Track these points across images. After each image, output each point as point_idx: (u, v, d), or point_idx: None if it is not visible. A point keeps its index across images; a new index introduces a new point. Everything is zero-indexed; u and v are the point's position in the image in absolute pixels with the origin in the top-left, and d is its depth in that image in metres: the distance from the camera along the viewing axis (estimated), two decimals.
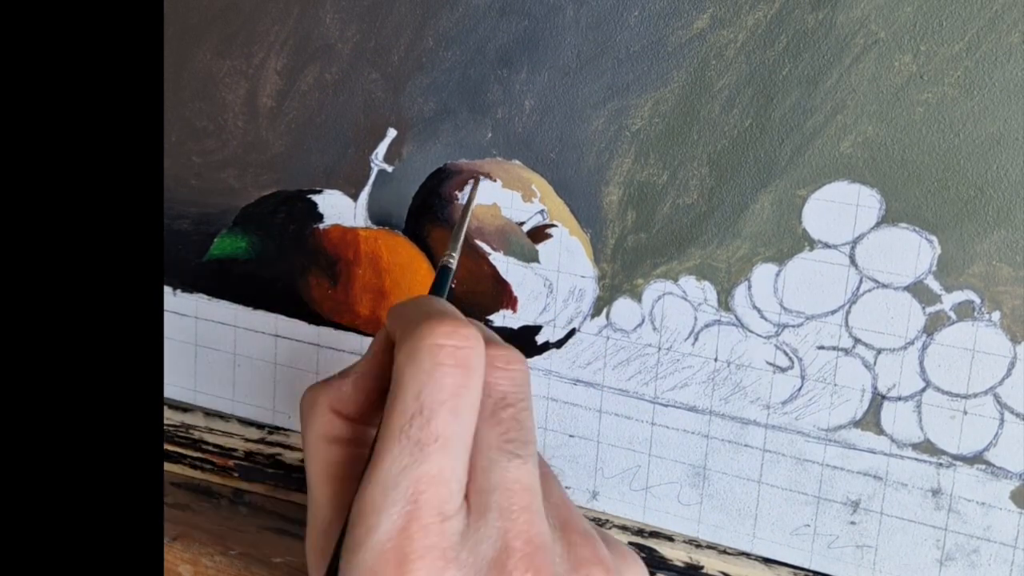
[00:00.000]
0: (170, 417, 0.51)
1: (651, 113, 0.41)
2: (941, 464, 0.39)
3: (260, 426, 0.50)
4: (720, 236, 0.41)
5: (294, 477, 0.50)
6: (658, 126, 0.41)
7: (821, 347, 0.40)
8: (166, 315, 0.50)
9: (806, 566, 0.42)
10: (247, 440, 0.50)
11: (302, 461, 0.49)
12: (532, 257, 0.43)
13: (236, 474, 0.51)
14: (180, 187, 0.49)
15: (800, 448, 0.41)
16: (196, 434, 0.51)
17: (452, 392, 0.30)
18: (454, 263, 0.39)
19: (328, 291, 0.47)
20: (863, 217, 0.39)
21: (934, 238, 0.38)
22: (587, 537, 0.32)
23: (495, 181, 0.43)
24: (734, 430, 0.42)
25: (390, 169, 0.45)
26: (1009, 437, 0.38)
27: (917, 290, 0.38)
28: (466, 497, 0.30)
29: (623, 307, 0.42)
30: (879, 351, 0.39)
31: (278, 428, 0.50)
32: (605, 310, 0.43)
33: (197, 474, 0.51)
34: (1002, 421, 0.38)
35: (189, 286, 0.50)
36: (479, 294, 0.44)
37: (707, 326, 0.41)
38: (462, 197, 0.44)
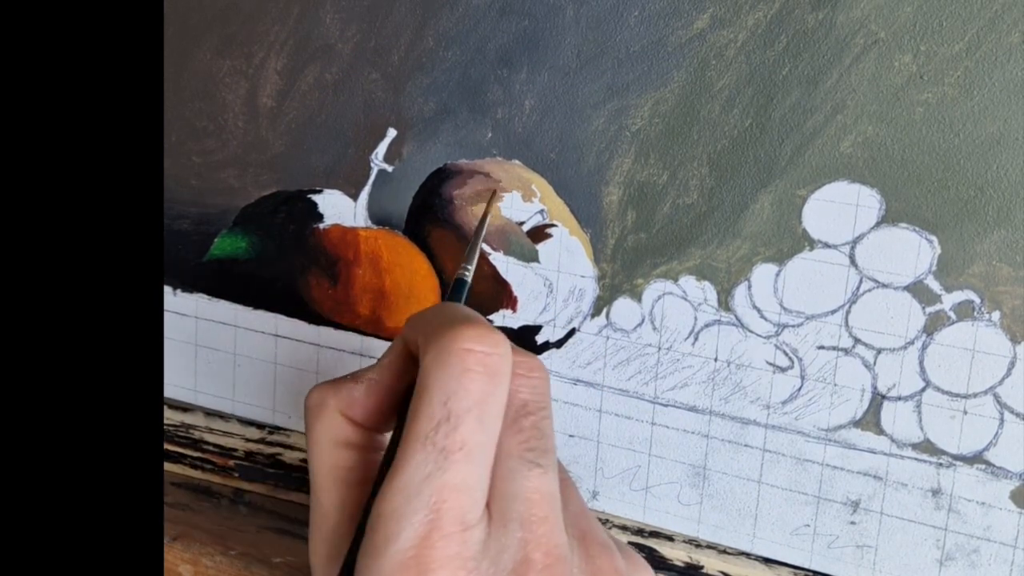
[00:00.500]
0: (170, 417, 0.51)
1: (651, 113, 0.41)
2: (941, 464, 0.39)
3: (260, 426, 0.50)
4: (720, 236, 0.41)
5: (294, 477, 0.50)
6: (658, 126, 0.41)
7: (821, 347, 0.40)
8: (166, 315, 0.50)
9: (806, 566, 0.42)
10: (247, 440, 0.50)
11: (302, 461, 0.49)
12: (532, 257, 0.43)
13: (236, 474, 0.51)
14: (180, 187, 0.49)
15: (800, 448, 0.41)
16: (196, 434, 0.51)
17: (479, 399, 0.30)
18: (470, 276, 0.39)
19: (328, 291, 0.47)
20: (863, 217, 0.39)
21: (934, 238, 0.38)
22: (605, 548, 0.32)
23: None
24: (734, 430, 0.42)
25: (390, 169, 0.45)
26: (1009, 437, 0.38)
27: (917, 290, 0.38)
28: (486, 506, 0.30)
29: (623, 307, 0.42)
30: (879, 351, 0.39)
31: (278, 428, 0.50)
32: (605, 310, 0.43)
33: (197, 474, 0.51)
34: (1002, 421, 0.38)
35: (189, 286, 0.50)
36: (479, 294, 0.44)
37: (707, 326, 0.41)
38: (464, 204, 0.44)
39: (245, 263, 0.48)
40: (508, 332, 0.44)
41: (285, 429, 0.50)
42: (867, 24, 0.38)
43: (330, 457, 0.34)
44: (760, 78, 0.39)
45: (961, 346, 0.38)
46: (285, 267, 0.48)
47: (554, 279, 0.43)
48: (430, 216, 0.45)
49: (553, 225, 0.43)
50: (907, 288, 0.38)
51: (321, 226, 0.47)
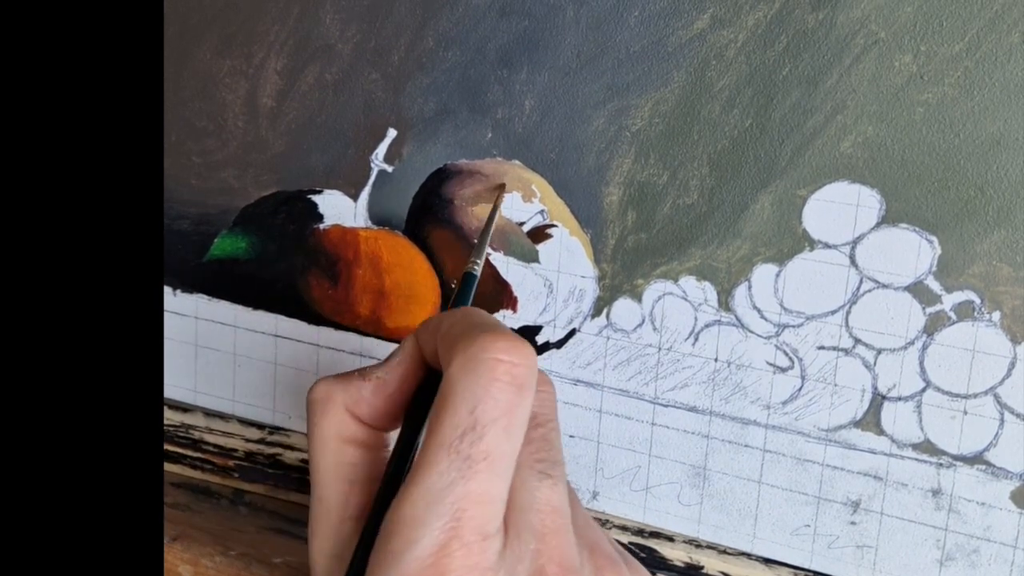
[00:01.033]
0: (170, 417, 0.51)
1: (651, 113, 0.41)
2: (941, 464, 0.39)
3: (260, 426, 0.50)
4: (720, 236, 0.41)
5: (294, 477, 0.50)
6: (658, 126, 0.41)
7: (821, 347, 0.40)
8: (166, 315, 0.50)
9: (806, 566, 0.42)
10: (247, 440, 0.50)
11: (302, 461, 0.49)
12: (532, 257, 0.43)
13: (236, 474, 0.51)
14: (180, 187, 0.49)
15: (800, 448, 0.41)
16: (196, 434, 0.51)
17: (506, 410, 0.30)
18: (479, 270, 0.39)
19: (328, 291, 0.47)
20: (863, 217, 0.39)
21: (934, 238, 0.38)
22: (613, 561, 0.32)
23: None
24: (734, 430, 0.42)
25: (390, 169, 0.45)
26: (1009, 437, 0.38)
27: (917, 290, 0.38)
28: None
29: (623, 307, 0.42)
30: (879, 351, 0.39)
31: (278, 428, 0.50)
32: (605, 310, 0.43)
33: (197, 474, 0.51)
34: (1002, 421, 0.38)
35: (189, 286, 0.50)
36: (479, 294, 0.44)
37: (707, 326, 0.41)
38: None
39: (245, 263, 0.48)
40: None
41: (285, 429, 0.50)
42: (867, 24, 0.38)
43: (335, 453, 0.33)
44: (760, 78, 0.39)
45: (961, 346, 0.38)
46: (285, 267, 0.48)
47: (554, 279, 0.43)
48: (430, 216, 0.45)
49: (553, 225, 0.43)
50: (907, 288, 0.38)
51: (321, 226, 0.47)
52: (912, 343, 0.39)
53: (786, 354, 0.40)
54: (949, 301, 0.38)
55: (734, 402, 0.41)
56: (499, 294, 0.44)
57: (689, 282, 0.41)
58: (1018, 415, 0.38)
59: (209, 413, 0.51)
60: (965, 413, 0.38)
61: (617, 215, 0.42)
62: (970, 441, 0.39)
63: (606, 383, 0.43)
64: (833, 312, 0.40)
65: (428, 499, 0.29)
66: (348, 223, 0.46)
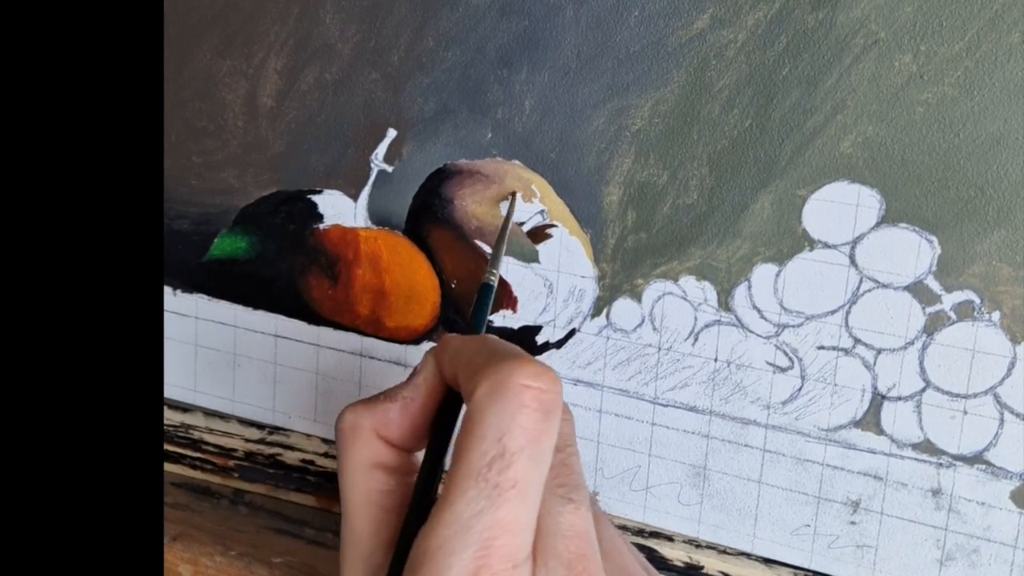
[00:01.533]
0: (170, 417, 0.51)
1: (651, 113, 0.41)
2: (941, 464, 0.39)
3: (260, 426, 0.50)
4: (720, 236, 0.41)
5: (294, 477, 0.50)
6: (658, 126, 0.41)
7: (821, 347, 0.40)
8: (166, 315, 0.50)
9: (806, 566, 0.42)
10: (247, 440, 0.50)
11: (302, 461, 0.49)
12: (532, 257, 0.43)
13: (236, 474, 0.51)
14: (180, 187, 0.49)
15: (800, 448, 0.41)
16: (196, 434, 0.51)
17: (533, 437, 0.29)
18: (495, 281, 0.39)
19: (328, 291, 0.47)
20: (863, 217, 0.39)
21: (934, 238, 0.38)
22: None
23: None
24: (734, 430, 0.42)
25: (390, 169, 0.45)
26: (1009, 437, 0.38)
27: (917, 290, 0.38)
28: None
29: (623, 307, 0.42)
30: (879, 351, 0.39)
31: (278, 428, 0.50)
32: (605, 310, 0.43)
33: (197, 474, 0.51)
34: (1002, 421, 0.38)
35: (189, 286, 0.50)
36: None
37: (707, 326, 0.41)
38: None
39: (245, 263, 0.48)
40: (508, 332, 0.44)
41: (285, 429, 0.50)
42: (867, 24, 0.38)
43: (366, 481, 0.33)
44: (760, 78, 0.39)
45: (961, 346, 0.38)
46: (285, 267, 0.48)
47: (554, 279, 0.43)
48: (430, 216, 0.45)
49: (553, 225, 0.43)
50: (907, 288, 0.38)
51: (321, 226, 0.47)
52: (912, 343, 0.39)
53: (786, 354, 0.40)
54: (949, 301, 0.38)
55: (734, 402, 0.41)
56: (499, 294, 0.44)
57: (689, 282, 0.41)
58: (1018, 415, 0.38)
59: (209, 413, 0.51)
60: (965, 413, 0.38)
61: (617, 215, 0.42)
62: (970, 441, 0.39)
63: (606, 383, 0.43)
64: (833, 312, 0.40)
65: (457, 527, 0.29)
66: (348, 223, 0.46)
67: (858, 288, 0.39)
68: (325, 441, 0.49)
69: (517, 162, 0.43)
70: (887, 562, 0.40)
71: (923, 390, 0.39)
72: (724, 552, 0.43)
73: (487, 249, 0.44)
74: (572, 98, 0.42)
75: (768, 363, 0.41)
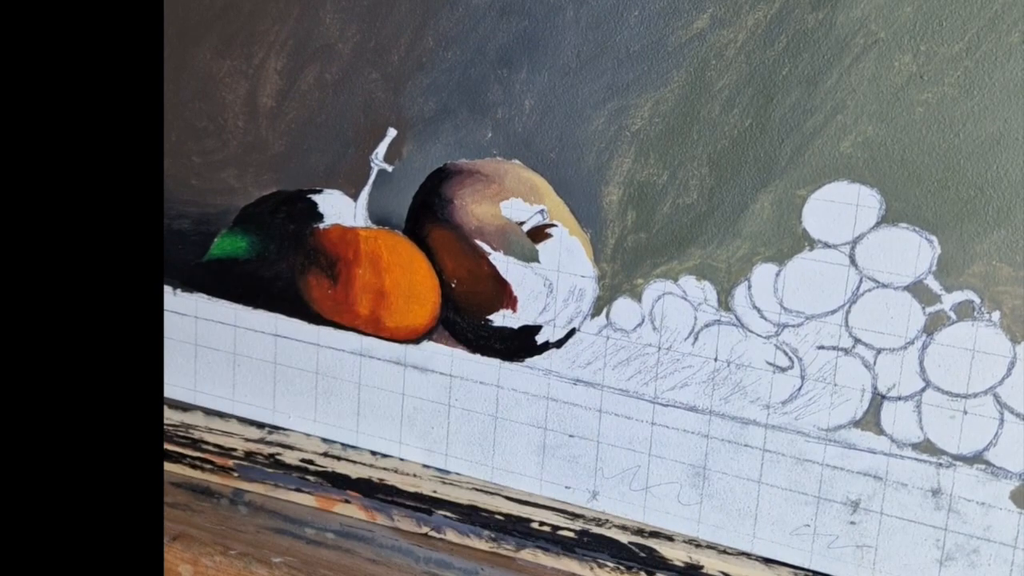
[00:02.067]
0: (170, 417, 0.51)
1: (651, 113, 0.41)
2: (941, 464, 0.39)
3: (260, 426, 0.50)
4: (720, 236, 0.41)
5: (293, 477, 0.50)
6: (658, 126, 0.41)
7: (821, 347, 0.40)
8: (166, 315, 0.50)
9: (806, 566, 0.42)
10: (247, 440, 0.50)
11: (302, 461, 0.49)
12: (532, 257, 0.43)
13: (235, 474, 0.51)
14: (180, 187, 0.49)
15: (800, 448, 0.41)
16: (196, 434, 0.51)
17: None
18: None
19: (328, 291, 0.47)
20: (863, 217, 0.39)
21: (934, 238, 0.38)
22: None
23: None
24: (734, 430, 0.42)
25: (390, 169, 0.45)
26: (1009, 437, 0.38)
27: (917, 290, 0.38)
28: None
29: (623, 307, 0.42)
30: (879, 351, 0.39)
31: (277, 428, 0.50)
32: (605, 310, 0.43)
33: (197, 474, 0.51)
34: (1002, 421, 0.38)
35: (189, 286, 0.50)
36: (479, 294, 0.44)
37: (707, 326, 0.41)
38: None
39: (245, 263, 0.48)
40: (508, 332, 0.44)
41: (285, 429, 0.50)
42: (867, 24, 0.38)
43: None
44: (760, 78, 0.39)
45: (961, 346, 0.38)
46: (285, 267, 0.48)
47: (554, 279, 0.43)
48: (430, 216, 0.45)
49: (553, 225, 0.43)
50: (907, 288, 0.38)
51: (321, 226, 0.47)
52: (912, 343, 0.39)
53: (786, 354, 0.40)
54: (949, 301, 0.38)
55: (734, 402, 0.41)
56: (499, 294, 0.44)
57: (689, 282, 0.41)
58: (1018, 415, 0.38)
59: (209, 412, 0.51)
60: (965, 413, 0.38)
61: (617, 215, 0.42)
62: (970, 441, 0.39)
63: (606, 383, 0.43)
64: (833, 312, 0.40)
65: None
66: (348, 223, 0.46)
67: (858, 288, 0.39)
68: (325, 441, 0.49)
69: (517, 162, 0.43)
70: (887, 562, 0.40)
71: (923, 390, 0.39)
72: (724, 552, 0.43)
73: (487, 249, 0.44)
74: (572, 98, 0.42)
75: (768, 363, 0.41)
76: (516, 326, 0.44)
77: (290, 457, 0.50)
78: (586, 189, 0.42)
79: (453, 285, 0.45)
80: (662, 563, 0.44)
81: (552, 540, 0.45)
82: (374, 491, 0.48)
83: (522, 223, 0.43)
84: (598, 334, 0.43)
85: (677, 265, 0.41)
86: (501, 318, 0.44)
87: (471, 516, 0.46)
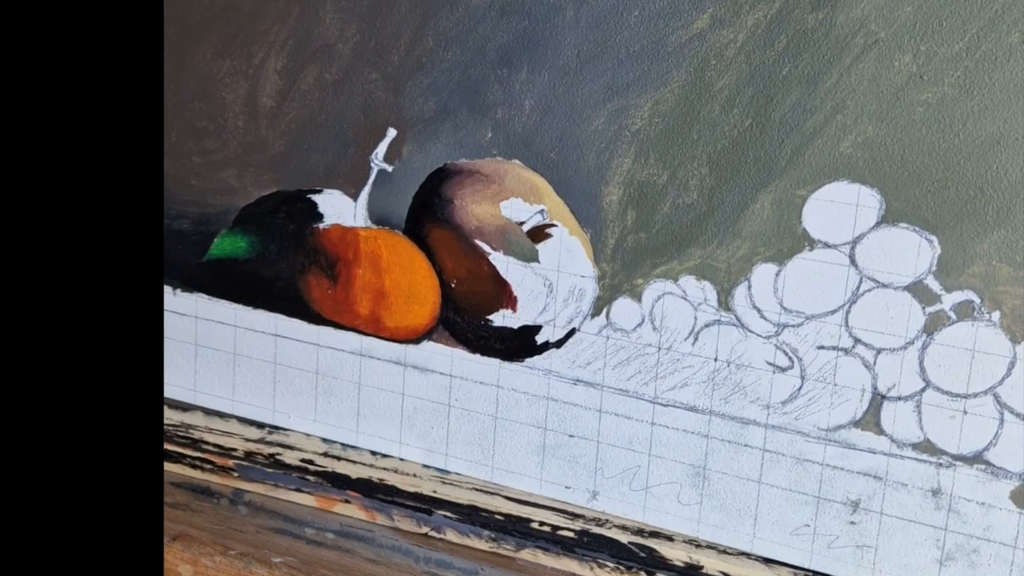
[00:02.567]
0: (170, 417, 0.51)
1: (651, 113, 0.41)
2: (941, 464, 0.39)
3: (260, 425, 0.50)
4: (720, 236, 0.41)
5: (294, 477, 0.50)
6: (658, 126, 0.41)
7: (821, 347, 0.40)
8: (166, 315, 0.50)
9: (806, 566, 0.42)
10: (247, 440, 0.50)
11: (302, 461, 0.49)
12: (532, 257, 0.43)
13: (235, 474, 0.51)
14: (180, 187, 0.49)
15: (800, 448, 0.41)
16: (196, 434, 0.51)
17: None
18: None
19: (328, 291, 0.47)
20: (863, 217, 0.39)
21: (934, 238, 0.38)
22: None
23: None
24: (734, 430, 0.42)
25: (390, 169, 0.45)
26: (1009, 437, 0.38)
27: (917, 290, 0.38)
28: None
29: (623, 307, 0.42)
30: (879, 351, 0.39)
31: (278, 428, 0.50)
32: (605, 310, 0.43)
33: (197, 474, 0.51)
34: (1002, 421, 0.38)
35: (189, 286, 0.50)
36: (479, 294, 0.44)
37: (707, 326, 0.41)
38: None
39: (245, 263, 0.48)
40: (508, 332, 0.44)
41: (285, 429, 0.50)
42: (867, 24, 0.38)
43: None
44: (760, 78, 0.39)
45: (961, 346, 0.38)
46: (285, 267, 0.48)
47: (554, 279, 0.43)
48: (430, 216, 0.45)
49: (553, 225, 0.43)
50: (907, 288, 0.38)
51: (321, 226, 0.47)
52: (912, 343, 0.39)
53: (786, 354, 0.40)
54: (949, 301, 0.38)
55: (734, 402, 0.41)
56: (499, 294, 0.44)
57: (689, 282, 0.41)
58: (1018, 415, 0.38)
59: (209, 412, 0.51)
60: (965, 413, 0.38)
61: (617, 215, 0.42)
62: (970, 441, 0.39)
63: (606, 383, 0.43)
64: (833, 312, 0.40)
65: None
66: (348, 223, 0.46)
67: (858, 288, 0.39)
68: (325, 441, 0.49)
69: (517, 162, 0.43)
70: (887, 562, 0.40)
71: (923, 390, 0.39)
72: (724, 552, 0.43)
73: (487, 249, 0.44)
74: (572, 98, 0.42)
75: (768, 363, 0.41)
76: (516, 326, 0.44)
77: (290, 457, 0.50)
78: (586, 189, 0.42)
79: (453, 285, 0.45)
80: (662, 563, 0.44)
81: (552, 540, 0.45)
82: (374, 491, 0.48)
83: (522, 223, 0.43)
84: (598, 334, 0.43)
85: (677, 265, 0.41)
86: (501, 318, 0.44)
87: (471, 516, 0.46)
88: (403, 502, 0.48)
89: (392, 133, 0.45)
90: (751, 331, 0.41)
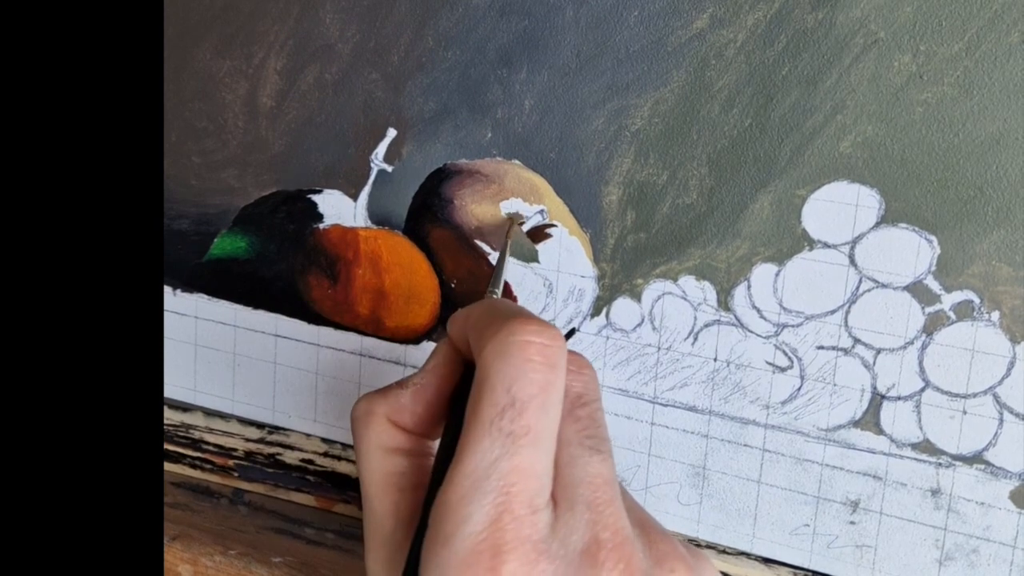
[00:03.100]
0: (170, 417, 0.51)
1: (651, 113, 0.41)
2: (940, 464, 0.39)
3: (260, 426, 0.50)
4: (720, 236, 0.41)
5: (293, 477, 0.50)
6: (658, 126, 0.41)
7: (821, 347, 0.40)
8: (166, 315, 0.50)
9: (806, 566, 0.42)
10: (247, 440, 0.50)
11: (302, 461, 0.49)
12: (532, 257, 0.43)
13: (236, 474, 0.51)
14: (180, 187, 0.49)
15: (800, 448, 0.41)
16: (196, 434, 0.51)
17: (541, 387, 0.30)
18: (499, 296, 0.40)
19: (328, 291, 0.47)
20: (863, 217, 0.39)
21: (934, 238, 0.38)
22: (665, 536, 0.32)
23: (554, 225, 0.43)
24: (734, 430, 0.42)
25: (390, 169, 0.45)
26: (1008, 437, 0.38)
27: (917, 290, 0.38)
28: (551, 493, 0.31)
29: (623, 307, 0.43)
30: (878, 351, 0.39)
31: (278, 428, 0.50)
32: (605, 310, 0.43)
33: (197, 474, 0.51)
34: (1001, 421, 0.38)
35: (189, 286, 0.50)
36: (479, 294, 0.44)
37: (707, 326, 0.41)
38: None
39: (245, 263, 0.48)
40: None
41: (285, 429, 0.50)
42: (867, 24, 0.38)
43: (381, 464, 0.34)
44: (760, 78, 0.39)
45: (961, 346, 0.38)
46: (285, 267, 0.48)
47: (554, 279, 0.43)
48: (430, 216, 0.45)
49: (553, 225, 0.43)
50: (907, 288, 0.38)
51: (321, 226, 0.47)
52: (911, 343, 0.39)
53: (785, 354, 0.40)
54: (948, 301, 0.38)
55: (733, 402, 0.41)
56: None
57: (688, 282, 0.41)
58: (1017, 415, 0.38)
59: (209, 412, 0.51)
60: (964, 413, 0.38)
61: (617, 215, 0.42)
62: (969, 441, 0.39)
63: (605, 383, 0.43)
64: (832, 312, 0.40)
65: (475, 477, 0.29)
66: (348, 223, 0.46)
67: (857, 288, 0.39)
68: (325, 441, 0.49)
69: (517, 162, 0.43)
70: (886, 562, 0.40)
71: (922, 390, 0.39)
72: (723, 552, 0.43)
73: (487, 249, 0.44)
74: (572, 98, 0.42)
75: (768, 363, 0.41)
76: None
77: (290, 457, 0.50)
78: (586, 189, 0.42)
79: (453, 285, 0.45)
80: None
81: None
82: None
83: (522, 223, 0.43)
84: (598, 334, 0.43)
85: (677, 265, 0.41)
86: None
87: None
88: None
89: (392, 133, 0.45)
90: (751, 331, 0.41)
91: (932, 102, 0.37)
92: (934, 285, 0.38)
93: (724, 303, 0.41)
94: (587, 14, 0.41)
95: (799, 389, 0.40)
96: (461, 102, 0.44)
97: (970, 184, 0.37)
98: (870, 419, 0.40)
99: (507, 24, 0.42)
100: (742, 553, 0.42)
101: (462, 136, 0.44)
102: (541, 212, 0.43)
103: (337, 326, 0.47)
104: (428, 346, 0.46)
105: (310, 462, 0.49)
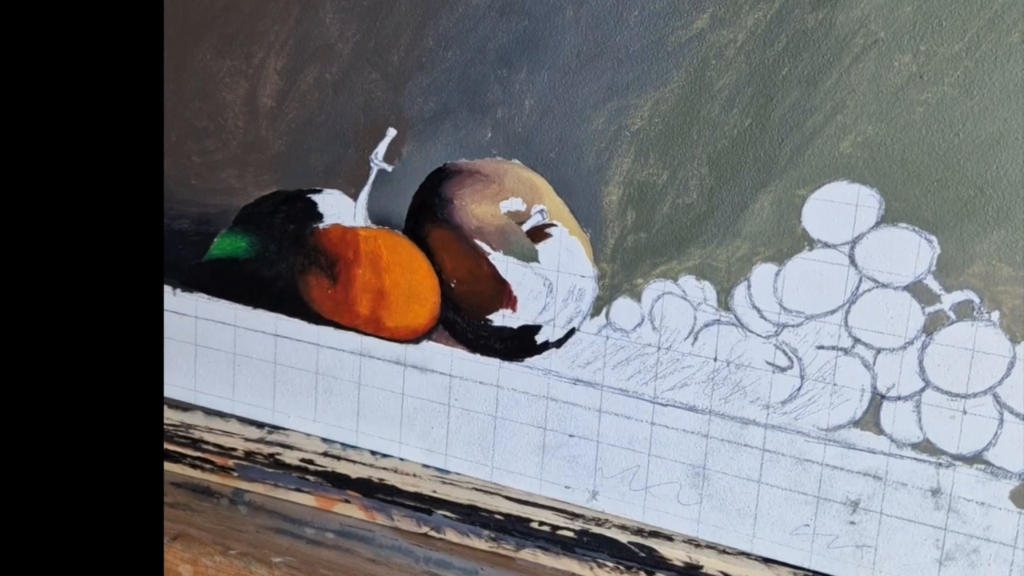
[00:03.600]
0: (170, 417, 0.51)
1: (651, 113, 0.41)
2: (941, 464, 0.39)
3: (260, 425, 0.50)
4: (720, 236, 0.41)
5: (293, 477, 0.50)
6: (658, 126, 0.41)
7: (821, 347, 0.40)
8: (166, 315, 0.50)
9: (806, 566, 0.42)
10: (247, 440, 0.50)
11: (302, 461, 0.49)
12: (532, 257, 0.43)
13: (235, 473, 0.51)
14: (180, 187, 0.49)
15: (800, 448, 0.41)
16: (196, 434, 0.51)
17: None
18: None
19: (328, 291, 0.47)
20: (863, 217, 0.39)
21: (934, 238, 0.38)
22: None
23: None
24: (734, 430, 0.42)
25: (390, 169, 0.45)
26: (1009, 437, 0.38)
27: (917, 290, 0.38)
28: None
29: (623, 306, 0.42)
30: (879, 351, 0.39)
31: (278, 427, 0.50)
32: (605, 309, 0.43)
33: (197, 474, 0.51)
34: (1001, 421, 0.38)
35: (189, 286, 0.50)
36: (479, 294, 0.44)
37: (707, 326, 0.41)
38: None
39: (245, 263, 0.48)
40: (508, 332, 0.44)
41: (285, 429, 0.50)
42: (867, 24, 0.38)
43: None
44: (760, 78, 0.39)
45: (961, 346, 0.38)
46: (285, 267, 0.48)
47: (554, 279, 0.43)
48: (430, 215, 0.45)
49: (553, 225, 0.43)
50: (907, 288, 0.38)
51: (321, 226, 0.47)
52: (911, 343, 0.39)
53: (785, 354, 0.40)
54: (948, 301, 0.38)
55: (733, 402, 0.41)
56: (499, 294, 0.44)
57: (688, 281, 0.41)
58: (1017, 415, 0.38)
59: (209, 412, 0.51)
60: (964, 413, 0.38)
61: (617, 215, 0.42)
62: (969, 441, 0.39)
63: (605, 382, 0.43)
64: (832, 312, 0.40)
65: None
66: (348, 222, 0.46)
67: (858, 288, 0.39)
68: (325, 440, 0.49)
69: (517, 162, 0.43)
70: (886, 562, 0.40)
71: (922, 390, 0.39)
72: (724, 552, 0.43)
73: (487, 248, 0.44)
74: (572, 98, 0.42)
75: (768, 363, 0.41)
76: (516, 326, 0.44)
77: (290, 457, 0.50)
78: (586, 189, 0.42)
79: (453, 285, 0.45)
80: (662, 563, 0.44)
81: (552, 540, 0.45)
82: (374, 491, 0.48)
83: (522, 223, 0.43)
84: (598, 334, 0.43)
85: (677, 265, 0.41)
86: (501, 318, 0.44)
87: (471, 516, 0.46)
88: (403, 502, 0.48)
89: (392, 133, 0.45)
90: (751, 331, 0.41)
91: (932, 102, 0.37)
92: (934, 285, 0.38)
93: (724, 303, 0.41)
94: (587, 14, 0.41)
95: (799, 389, 0.40)
96: (461, 102, 0.44)
97: (970, 184, 0.37)
98: (870, 419, 0.40)
99: (507, 24, 0.42)
100: (742, 553, 0.42)
101: (462, 136, 0.44)
102: (541, 212, 0.43)
103: (337, 326, 0.47)
104: (428, 346, 0.46)
105: (310, 462, 0.49)
